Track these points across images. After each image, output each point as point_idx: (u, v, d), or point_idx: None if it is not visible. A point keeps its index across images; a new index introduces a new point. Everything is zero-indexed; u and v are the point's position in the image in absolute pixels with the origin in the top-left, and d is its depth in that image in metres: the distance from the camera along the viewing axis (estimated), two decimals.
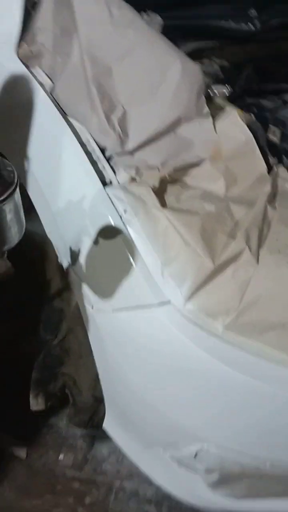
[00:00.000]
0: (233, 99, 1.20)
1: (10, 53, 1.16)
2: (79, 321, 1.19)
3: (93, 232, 0.92)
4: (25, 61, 1.12)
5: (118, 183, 0.94)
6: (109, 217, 0.89)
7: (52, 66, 1.11)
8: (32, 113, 1.04)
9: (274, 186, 0.97)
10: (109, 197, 0.90)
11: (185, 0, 1.49)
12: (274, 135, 1.17)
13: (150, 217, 0.87)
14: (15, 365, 1.47)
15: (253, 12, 1.45)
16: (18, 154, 1.05)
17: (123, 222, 0.88)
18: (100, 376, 1.12)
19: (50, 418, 1.57)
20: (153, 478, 1.16)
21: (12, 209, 0.65)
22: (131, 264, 0.88)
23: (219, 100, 1.14)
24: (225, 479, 0.99)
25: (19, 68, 1.11)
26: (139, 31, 0.96)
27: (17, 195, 0.66)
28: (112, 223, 0.89)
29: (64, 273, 1.18)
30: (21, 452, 1.49)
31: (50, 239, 1.04)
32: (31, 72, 1.10)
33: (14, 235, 0.69)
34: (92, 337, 1.06)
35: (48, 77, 1.11)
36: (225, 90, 1.21)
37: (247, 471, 0.96)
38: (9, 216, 0.66)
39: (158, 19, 1.28)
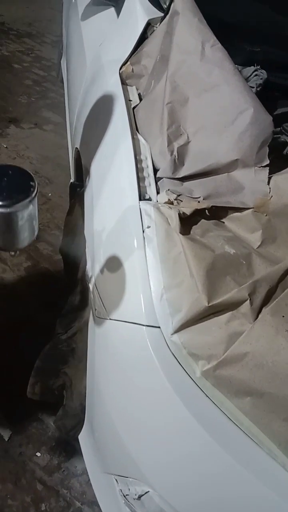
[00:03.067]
0: None
1: (116, 70, 1.27)
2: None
3: (114, 239, 0.94)
4: (125, 78, 1.22)
5: (156, 201, 0.96)
6: (133, 229, 0.91)
7: (146, 88, 1.19)
8: (109, 121, 1.12)
9: None
10: (140, 211, 0.92)
11: None
12: None
13: (168, 240, 0.87)
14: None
15: None
16: (88, 149, 1.13)
17: (143, 237, 0.89)
18: (87, 383, 1.11)
19: (43, 414, 1.58)
20: (100, 505, 1.11)
21: (24, 217, 0.70)
22: (137, 280, 0.88)
23: None
24: None
25: (116, 82, 1.20)
26: (225, 71, 0.99)
27: (33, 205, 0.70)
28: (134, 236, 0.90)
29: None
30: (5, 433, 1.52)
31: (85, 236, 1.09)
32: (124, 89, 1.19)
33: (24, 239, 0.74)
34: (89, 342, 1.06)
35: (139, 96, 1.19)
36: None
37: None
38: (21, 222, 0.70)
39: (263, 74, 1.30)
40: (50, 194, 2.61)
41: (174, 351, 0.83)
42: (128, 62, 1.27)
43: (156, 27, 1.32)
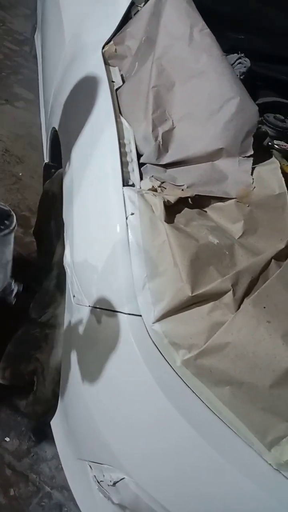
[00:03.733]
0: None
1: (98, 49, 1.23)
2: (64, 311, 1.19)
3: (96, 224, 0.92)
4: (107, 58, 1.18)
5: (140, 187, 0.94)
6: (116, 215, 0.89)
7: (129, 69, 1.16)
8: (91, 102, 1.08)
9: None
10: (123, 196, 0.90)
11: (284, 57, 1.50)
12: None
13: (152, 227, 0.86)
14: None
15: None
16: (67, 131, 1.10)
17: (127, 224, 0.88)
18: (61, 370, 1.10)
19: (12, 398, 1.56)
20: (73, 491, 1.11)
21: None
22: (119, 268, 0.87)
23: (275, 153, 1.12)
24: None
25: (99, 62, 1.16)
26: (213, 58, 0.98)
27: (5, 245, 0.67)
28: (117, 222, 0.89)
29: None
30: None
31: (64, 220, 1.06)
32: (107, 69, 1.15)
33: None
34: (66, 328, 1.05)
35: (122, 77, 1.16)
36: (287, 147, 1.18)
37: None
38: None
39: (247, 63, 1.30)
40: (21, 174, 2.53)
41: (155, 340, 0.82)
42: (111, 42, 1.23)
43: (140, 7, 1.29)
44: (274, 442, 0.77)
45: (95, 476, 0.99)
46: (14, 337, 1.32)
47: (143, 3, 1.27)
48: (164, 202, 0.87)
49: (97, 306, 0.90)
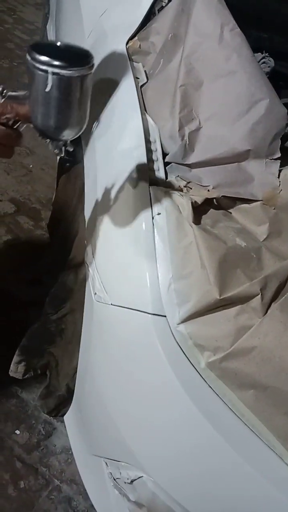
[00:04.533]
0: None
1: (122, 43, 1.22)
2: (81, 307, 1.19)
3: (121, 223, 0.92)
4: (131, 54, 1.17)
5: (166, 187, 0.93)
6: (142, 214, 0.88)
7: (153, 66, 1.15)
8: (116, 98, 1.07)
9: None
10: (150, 196, 0.89)
11: None
12: None
13: (179, 228, 0.85)
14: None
15: None
16: (89, 126, 1.08)
17: (153, 224, 0.87)
18: (78, 366, 1.10)
19: (23, 391, 1.56)
20: (86, 487, 1.12)
21: (86, 86, 0.63)
22: (144, 268, 0.87)
23: None
24: None
25: (123, 58, 1.15)
26: (243, 58, 0.97)
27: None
28: (143, 222, 0.88)
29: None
30: None
31: (85, 217, 1.06)
32: (131, 66, 1.14)
33: (80, 121, 0.66)
34: (85, 324, 1.05)
35: (146, 74, 1.15)
36: None
37: None
38: (80, 93, 0.62)
39: (271, 62, 1.28)
40: (31, 166, 2.52)
41: (180, 341, 0.82)
42: (136, 37, 1.21)
43: (165, 2, 1.27)
44: None
45: (111, 473, 1.00)
46: (29, 330, 1.32)
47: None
48: (191, 202, 0.87)
49: (120, 305, 0.90)
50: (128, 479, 0.93)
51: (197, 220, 0.87)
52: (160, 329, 0.84)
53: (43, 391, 1.39)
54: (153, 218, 0.88)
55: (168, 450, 0.85)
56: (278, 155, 0.97)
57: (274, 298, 0.81)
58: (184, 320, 0.82)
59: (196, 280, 0.81)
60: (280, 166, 0.97)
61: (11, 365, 1.38)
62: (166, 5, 1.26)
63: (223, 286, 0.79)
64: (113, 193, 0.96)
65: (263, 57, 1.29)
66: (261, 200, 0.95)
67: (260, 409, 0.79)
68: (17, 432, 1.49)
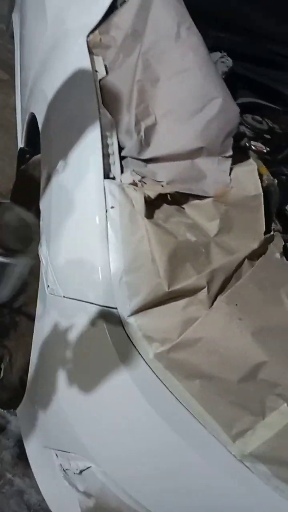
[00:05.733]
0: (271, 162, 1.20)
1: (82, 36, 1.22)
2: (36, 300, 1.18)
3: (74, 215, 0.92)
4: (91, 47, 1.17)
5: (120, 181, 0.94)
6: (96, 207, 0.89)
7: (113, 61, 1.15)
8: (75, 91, 1.07)
9: (264, 248, 0.95)
10: (104, 190, 0.90)
11: (266, 59, 1.53)
12: None
13: (132, 222, 0.87)
14: None
15: None
16: (48, 118, 1.08)
17: (106, 217, 0.88)
18: (31, 359, 1.09)
19: None
20: (37, 479, 1.12)
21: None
22: (97, 260, 0.87)
23: (252, 154, 1.14)
24: (99, 510, 0.94)
25: (83, 50, 1.15)
26: (199, 56, 0.99)
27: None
28: (96, 215, 0.89)
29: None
30: None
31: (41, 209, 1.05)
32: (91, 59, 1.14)
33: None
34: (38, 316, 1.04)
35: (106, 68, 1.15)
36: (263, 148, 1.21)
37: (122, 510, 0.91)
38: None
39: (229, 62, 1.32)
40: None
41: (129, 333, 0.84)
42: (97, 31, 1.21)
43: None
44: (239, 435, 0.80)
45: (61, 464, 1.00)
46: None
47: None
48: (145, 197, 0.88)
49: (72, 297, 0.91)
50: (77, 469, 0.94)
51: (149, 214, 0.89)
52: (111, 321, 0.85)
53: None
54: (106, 211, 0.89)
55: (117, 439, 0.87)
56: (230, 153, 1.00)
57: (220, 291, 0.83)
58: (134, 312, 0.83)
59: (146, 273, 0.83)
60: (232, 164, 1.00)
61: None
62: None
63: (172, 279, 0.81)
64: (68, 186, 0.97)
65: (222, 57, 1.32)
66: (213, 197, 0.98)
67: (205, 399, 0.81)
68: None
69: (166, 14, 1.01)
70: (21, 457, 1.44)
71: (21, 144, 1.70)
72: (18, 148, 1.75)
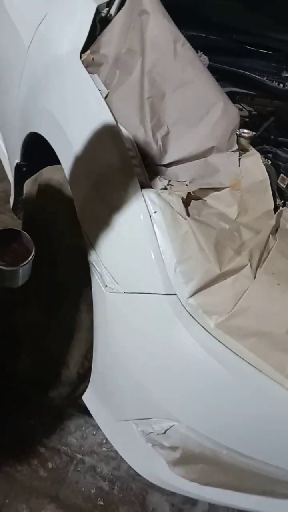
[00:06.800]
0: (254, 144, 1.39)
1: (76, 57, 1.34)
2: (82, 300, 1.34)
3: (123, 224, 1.08)
4: (85, 67, 1.30)
5: (151, 187, 1.10)
6: (141, 214, 1.06)
7: (108, 77, 1.29)
8: (85, 109, 1.21)
9: (277, 222, 1.15)
10: (144, 198, 1.06)
11: (235, 50, 1.70)
12: (283, 183, 1.36)
13: (175, 221, 1.03)
14: None
15: (285, 75, 1.67)
16: (62, 136, 1.22)
17: (151, 221, 1.05)
18: (95, 351, 1.26)
19: (22, 387, 1.68)
20: (118, 450, 1.31)
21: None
22: (151, 257, 1.04)
23: (243, 141, 1.32)
24: (185, 459, 1.14)
25: (82, 70, 1.28)
26: (197, 68, 1.15)
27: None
28: (143, 220, 1.05)
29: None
30: None
31: (81, 221, 1.20)
32: (93, 78, 1.27)
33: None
34: (97, 314, 1.21)
35: (105, 85, 1.29)
36: (251, 134, 1.40)
37: (205, 454, 1.11)
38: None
39: (205, 60, 1.48)
40: None
41: (191, 312, 1.02)
42: (89, 51, 1.34)
43: (104, 12, 1.40)
44: None
45: (142, 430, 1.19)
46: (26, 328, 1.45)
47: (106, 9, 1.38)
48: (181, 198, 1.05)
49: (134, 291, 1.08)
50: (161, 430, 1.13)
51: (187, 212, 1.06)
52: (174, 304, 1.03)
53: (51, 383, 1.53)
54: (150, 216, 1.05)
55: (194, 397, 1.06)
56: (236, 147, 1.18)
57: (258, 265, 1.03)
58: (193, 294, 1.01)
59: (197, 261, 1.01)
60: (241, 156, 1.18)
61: (18, 364, 1.51)
62: (106, 15, 1.39)
63: (221, 262, 1.00)
64: (108, 200, 1.12)
65: (200, 56, 1.48)
66: (229, 187, 1.16)
67: (260, 351, 1.01)
68: (32, 422, 1.63)
69: (162, 34, 1.16)
70: (84, 438, 1.63)
71: (18, 160, 1.80)
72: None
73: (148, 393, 1.12)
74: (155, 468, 1.24)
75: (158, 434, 1.15)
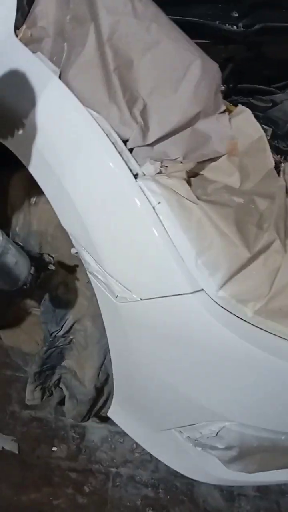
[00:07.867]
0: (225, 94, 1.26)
1: (10, 37, 1.12)
2: (87, 312, 1.20)
3: (123, 224, 0.93)
4: (26, 45, 1.09)
5: (144, 174, 0.95)
6: (142, 209, 0.91)
7: (54, 52, 1.08)
8: (41, 99, 1.02)
9: (286, 181, 1.04)
10: (141, 189, 0.91)
11: None
12: (266, 134, 1.24)
13: (184, 209, 0.90)
14: None
15: (235, 15, 1.51)
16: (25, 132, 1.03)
17: (156, 214, 0.90)
18: (114, 365, 1.13)
19: (36, 411, 1.55)
20: (162, 459, 1.21)
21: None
22: (165, 255, 0.90)
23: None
24: (243, 454, 1.06)
25: (23, 50, 1.07)
26: (163, 26, 0.98)
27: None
28: (146, 215, 0.90)
29: (73, 266, 1.18)
30: (13, 447, 1.46)
31: (68, 229, 1.03)
32: (39, 57, 1.07)
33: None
34: (111, 326, 1.07)
35: (53, 62, 1.09)
36: (223, 88, 1.25)
37: (264, 445, 1.04)
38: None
39: None
40: None
41: (224, 305, 0.90)
42: (24, 26, 1.12)
43: None
44: None
45: (188, 436, 1.10)
46: (37, 357, 1.29)
47: None
48: (183, 180, 0.91)
49: (152, 297, 0.94)
50: (211, 433, 1.04)
51: (193, 195, 0.92)
52: (202, 301, 0.91)
53: (68, 404, 1.39)
54: (154, 208, 0.90)
55: (244, 392, 0.97)
56: (223, 107, 1.03)
57: (285, 235, 0.92)
58: (222, 285, 0.89)
59: (221, 248, 0.88)
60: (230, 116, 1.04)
61: (27, 394, 1.36)
62: None
63: (248, 243, 0.88)
64: (98, 198, 0.96)
65: None
66: (225, 154, 1.03)
67: None
68: (54, 449, 1.50)
69: None
70: (113, 449, 1.52)
71: None
72: None
73: (190, 399, 1.02)
74: (208, 470, 1.16)
75: (208, 437, 1.06)
